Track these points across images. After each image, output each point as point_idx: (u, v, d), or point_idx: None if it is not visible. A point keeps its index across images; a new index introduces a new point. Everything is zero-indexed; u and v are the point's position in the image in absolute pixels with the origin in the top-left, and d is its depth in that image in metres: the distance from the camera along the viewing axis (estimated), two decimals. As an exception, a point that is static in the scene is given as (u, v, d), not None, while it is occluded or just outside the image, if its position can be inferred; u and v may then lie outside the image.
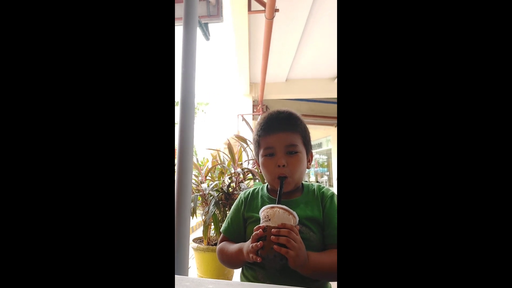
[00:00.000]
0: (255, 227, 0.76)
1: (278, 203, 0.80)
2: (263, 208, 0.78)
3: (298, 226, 0.77)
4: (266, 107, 6.69)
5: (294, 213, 0.76)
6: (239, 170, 2.48)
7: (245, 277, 0.90)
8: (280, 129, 0.89)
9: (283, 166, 0.87)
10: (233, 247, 0.90)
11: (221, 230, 1.01)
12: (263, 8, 3.18)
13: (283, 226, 0.73)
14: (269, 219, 0.75)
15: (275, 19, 3.33)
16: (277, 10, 3.18)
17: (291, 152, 0.88)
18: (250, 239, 0.78)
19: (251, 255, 0.75)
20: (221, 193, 2.33)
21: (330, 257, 0.79)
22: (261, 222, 0.77)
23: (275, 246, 0.71)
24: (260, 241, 0.73)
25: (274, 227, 0.73)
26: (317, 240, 0.84)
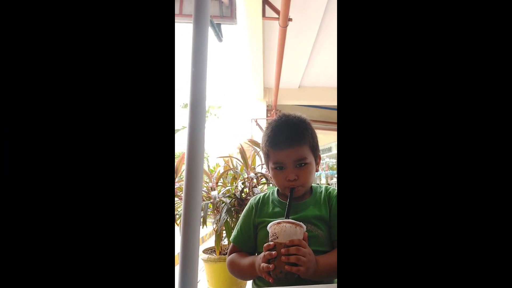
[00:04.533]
0: (264, 245, 0.77)
1: (286, 216, 0.81)
2: (270, 224, 0.79)
3: (306, 233, 0.79)
4: (280, 112, 6.69)
5: (301, 223, 0.77)
6: (252, 174, 2.44)
7: (257, 286, 0.91)
8: (288, 145, 0.89)
9: (294, 179, 0.88)
10: (245, 261, 0.90)
11: (230, 239, 1.01)
12: (277, 16, 3.23)
13: (291, 243, 0.74)
14: (277, 237, 0.76)
15: (288, 28, 3.37)
16: (290, 20, 3.22)
17: (301, 164, 0.89)
18: (262, 255, 0.78)
19: (263, 274, 0.76)
20: (233, 199, 2.28)
21: (336, 257, 0.81)
22: (269, 238, 0.78)
23: (286, 266, 0.72)
24: (272, 264, 0.74)
25: (283, 243, 0.75)
26: (324, 236, 0.89)
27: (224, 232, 2.30)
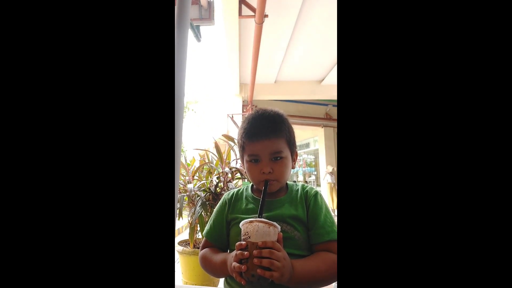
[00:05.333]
0: (236, 244, 0.74)
1: (259, 214, 0.77)
2: (243, 222, 0.75)
3: (281, 234, 0.75)
4: (256, 107, 6.72)
5: (275, 223, 0.73)
6: (227, 169, 2.47)
7: (229, 285, 0.87)
8: (264, 136, 0.86)
9: (269, 173, 0.86)
10: (217, 258, 0.87)
11: (203, 233, 0.98)
12: (253, 14, 3.27)
13: (264, 245, 0.70)
14: (249, 236, 0.72)
15: (264, 24, 3.40)
16: (266, 16, 3.27)
17: (276, 158, 0.87)
18: (233, 253, 0.74)
19: (234, 274, 0.73)
20: (208, 193, 2.31)
21: (314, 264, 0.78)
22: (241, 236, 0.75)
23: (258, 270, 0.68)
24: (244, 265, 0.70)
25: (255, 243, 0.71)
26: (301, 238, 0.84)
27: (198, 226, 2.31)
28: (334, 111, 8.58)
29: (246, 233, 0.73)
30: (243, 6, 3.34)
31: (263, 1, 2.89)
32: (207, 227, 0.97)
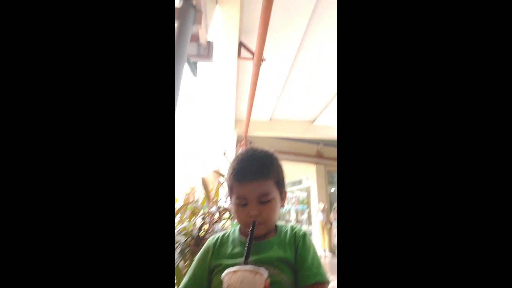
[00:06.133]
0: None
1: (246, 257, 0.73)
2: (226, 271, 0.69)
3: (268, 280, 0.69)
4: (250, 143, 6.80)
5: (261, 269, 0.68)
6: (214, 208, 2.26)
7: None
8: (252, 179, 0.86)
9: (255, 216, 0.84)
10: None
11: (180, 287, 0.89)
12: (251, 56, 3.48)
13: None
14: None
15: (261, 66, 3.58)
16: (264, 60, 3.47)
17: (264, 201, 0.86)
18: None
19: None
20: (190, 238, 2.08)
21: None
22: None
23: None
24: None
25: None
26: (288, 282, 0.80)
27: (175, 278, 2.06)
28: (324, 150, 9.05)
29: (229, 286, 0.66)
30: (242, 48, 3.55)
31: (261, 45, 3.03)
32: (185, 279, 0.88)
